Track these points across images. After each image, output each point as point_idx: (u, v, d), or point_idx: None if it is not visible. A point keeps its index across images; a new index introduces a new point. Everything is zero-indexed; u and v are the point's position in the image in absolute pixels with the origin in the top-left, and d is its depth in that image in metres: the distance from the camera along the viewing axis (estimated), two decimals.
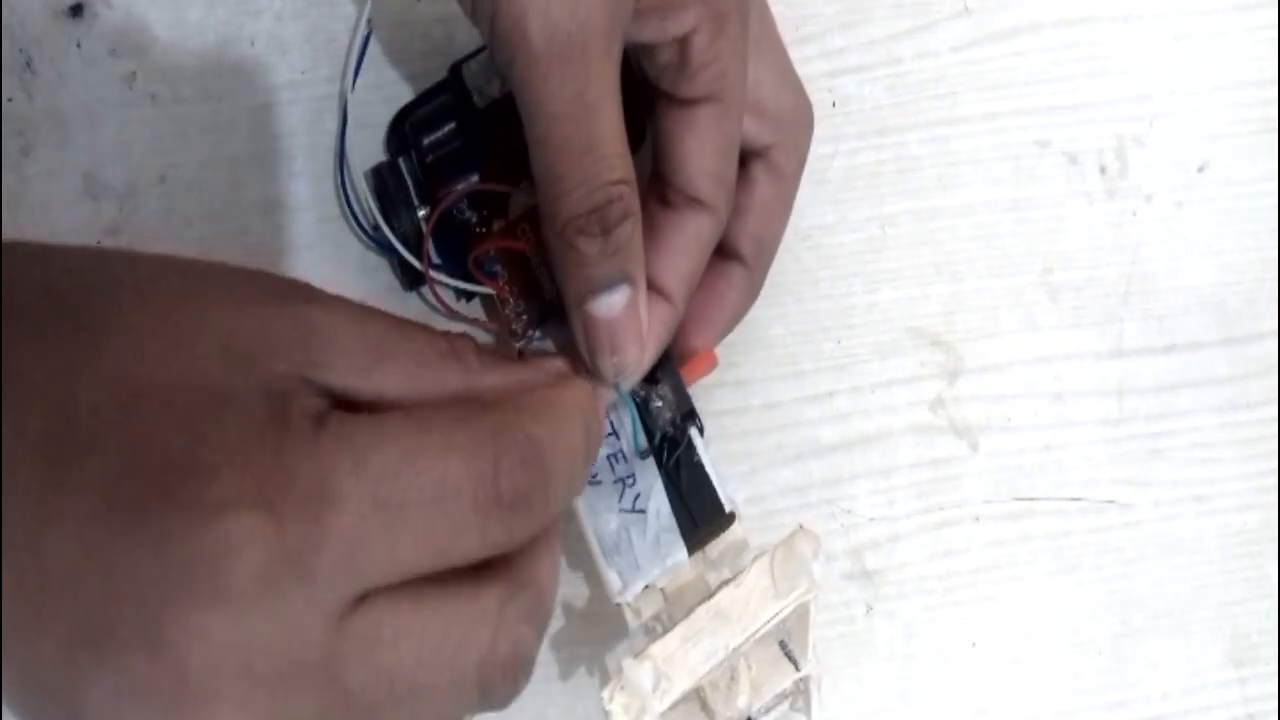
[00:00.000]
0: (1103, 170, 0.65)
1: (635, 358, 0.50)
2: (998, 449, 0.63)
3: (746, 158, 0.55)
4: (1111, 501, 0.63)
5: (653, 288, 0.51)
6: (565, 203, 0.47)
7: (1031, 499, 0.63)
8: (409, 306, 0.60)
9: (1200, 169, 0.66)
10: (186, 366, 0.38)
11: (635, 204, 0.48)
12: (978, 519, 0.62)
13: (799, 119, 0.56)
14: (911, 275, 0.64)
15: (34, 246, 0.41)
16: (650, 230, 0.50)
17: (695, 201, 0.52)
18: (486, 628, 0.40)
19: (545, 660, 0.59)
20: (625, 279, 0.48)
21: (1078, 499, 0.63)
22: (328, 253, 0.61)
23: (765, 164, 0.55)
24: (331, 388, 0.40)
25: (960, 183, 0.65)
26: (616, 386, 0.51)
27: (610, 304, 0.48)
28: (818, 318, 0.63)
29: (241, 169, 0.61)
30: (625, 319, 0.49)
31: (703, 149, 0.51)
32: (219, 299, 0.40)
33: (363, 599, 0.38)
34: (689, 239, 0.52)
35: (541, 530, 0.42)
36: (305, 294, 0.42)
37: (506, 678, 0.41)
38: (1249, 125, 0.66)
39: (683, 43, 0.50)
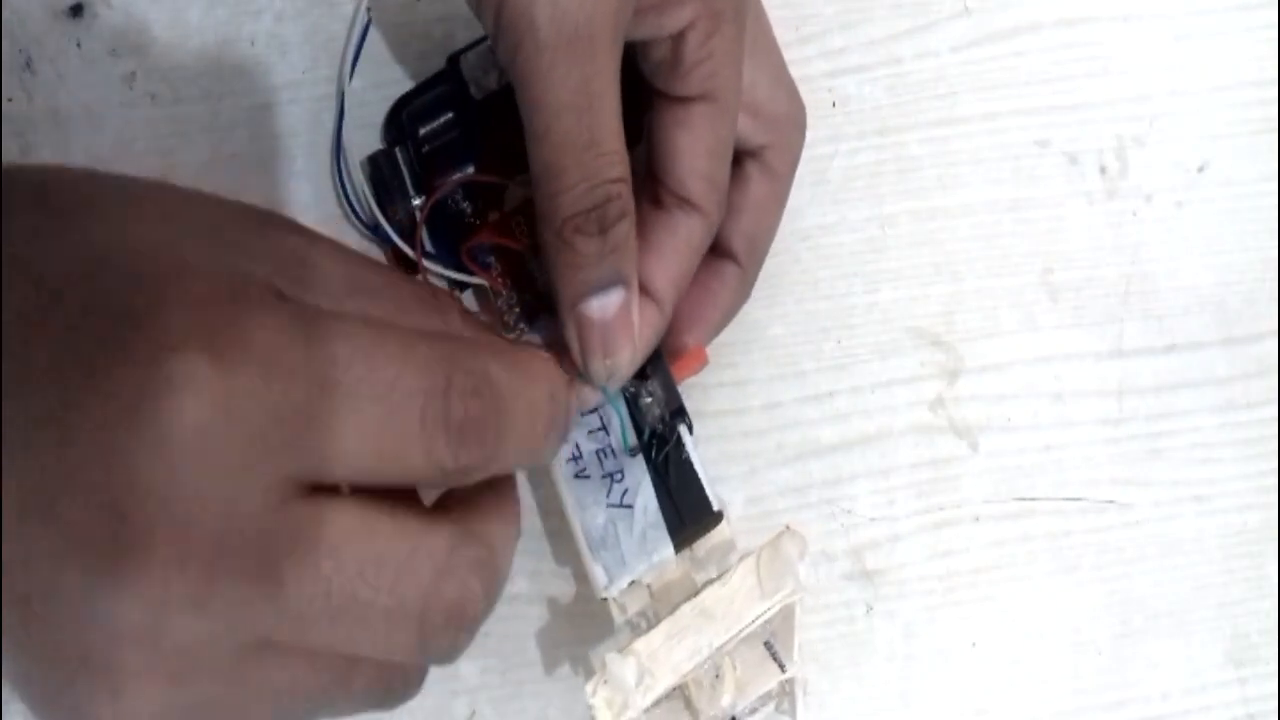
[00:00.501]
0: (1103, 170, 0.65)
1: (628, 359, 0.50)
2: (998, 449, 0.63)
3: (740, 157, 0.55)
4: (1111, 501, 0.63)
5: (642, 290, 0.51)
6: (564, 199, 0.47)
7: (1031, 499, 0.62)
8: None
9: (1200, 169, 0.65)
10: (159, 242, 0.39)
11: (631, 203, 0.48)
12: (978, 519, 0.62)
13: (793, 120, 0.56)
14: (911, 275, 0.63)
15: (34, 166, 0.41)
16: (640, 231, 0.50)
17: (686, 202, 0.51)
18: (432, 563, 0.40)
19: (546, 660, 0.59)
20: (620, 280, 0.48)
21: (1078, 499, 0.63)
22: None
23: (759, 164, 0.55)
24: (302, 301, 0.40)
25: (960, 183, 0.64)
26: (604, 389, 0.51)
27: (605, 305, 0.48)
28: (818, 318, 0.63)
29: (241, 169, 0.60)
30: (619, 321, 0.49)
31: (694, 149, 0.51)
32: (205, 208, 0.41)
33: (307, 494, 0.38)
34: (679, 241, 0.51)
35: (494, 479, 0.43)
36: (293, 224, 0.43)
37: (449, 625, 0.41)
38: (1249, 125, 0.66)
39: (677, 39, 0.50)
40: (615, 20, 0.45)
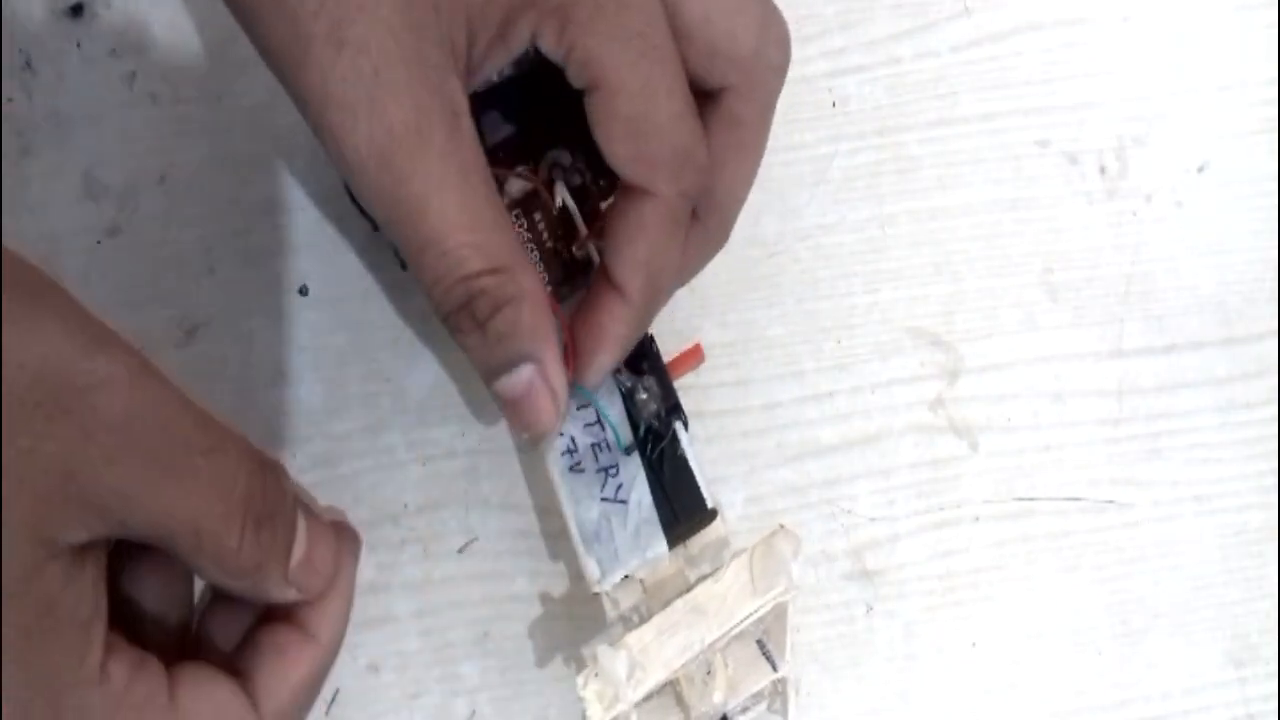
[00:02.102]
0: (1103, 170, 0.65)
1: (547, 426, 0.50)
2: (998, 449, 0.63)
3: (700, 103, 0.50)
4: (1111, 501, 0.63)
5: (611, 284, 0.50)
6: (432, 298, 0.47)
7: (1031, 499, 0.62)
8: (406, 282, 0.60)
9: (1200, 169, 0.66)
10: None
11: (513, 288, 0.47)
12: (978, 519, 0.62)
13: (760, 58, 0.51)
14: (912, 275, 0.63)
15: None
16: (609, 219, 0.50)
17: (634, 188, 0.50)
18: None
19: (545, 660, 0.59)
20: (522, 359, 0.48)
21: (1078, 499, 0.63)
22: (327, 253, 0.61)
23: (718, 111, 0.52)
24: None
25: (960, 183, 0.64)
26: (583, 391, 0.52)
27: (512, 384, 0.49)
28: (818, 318, 0.63)
29: (242, 169, 0.61)
30: (530, 396, 0.49)
31: (611, 136, 0.49)
32: None
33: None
34: (635, 226, 0.50)
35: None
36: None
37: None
38: (1249, 125, 0.66)
39: (537, 49, 0.48)
40: (422, 120, 0.45)
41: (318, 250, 0.61)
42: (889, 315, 0.63)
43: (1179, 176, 0.66)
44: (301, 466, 0.59)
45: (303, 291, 0.61)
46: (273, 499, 0.43)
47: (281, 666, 0.46)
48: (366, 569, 0.58)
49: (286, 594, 0.45)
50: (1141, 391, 0.64)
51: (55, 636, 0.40)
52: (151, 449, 0.40)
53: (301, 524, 0.45)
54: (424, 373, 0.61)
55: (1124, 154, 0.65)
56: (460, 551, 0.59)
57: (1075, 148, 0.65)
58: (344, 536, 0.47)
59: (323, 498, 0.53)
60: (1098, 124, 0.66)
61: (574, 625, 0.59)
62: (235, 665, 0.46)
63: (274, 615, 0.47)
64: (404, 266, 0.54)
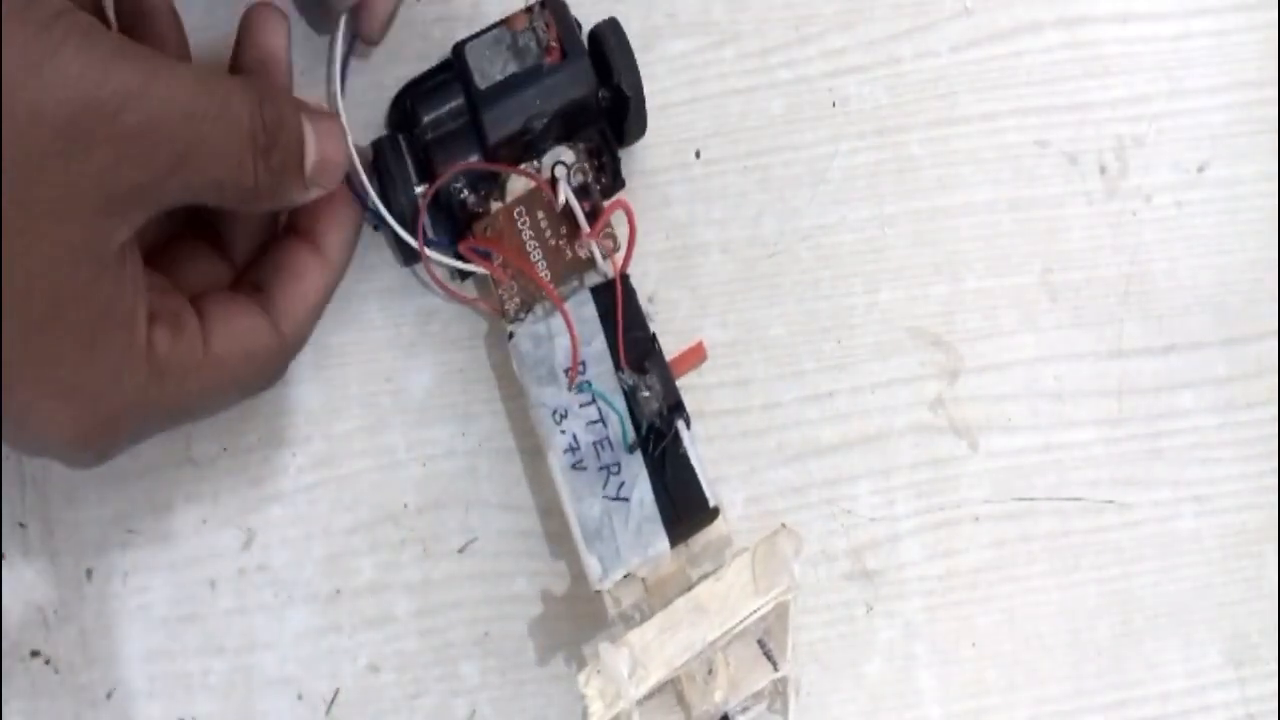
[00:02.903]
0: (1103, 170, 0.65)
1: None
2: (998, 449, 0.62)
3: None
4: (1111, 501, 0.62)
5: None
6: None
7: (1031, 499, 0.62)
8: (406, 282, 0.61)
9: (1200, 169, 0.65)
10: None
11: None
12: (977, 519, 0.62)
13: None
14: (912, 275, 0.63)
15: None
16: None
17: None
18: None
19: (546, 660, 0.59)
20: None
21: (1077, 499, 0.62)
22: None
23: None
24: None
25: (960, 183, 0.64)
26: (588, 388, 0.54)
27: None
28: (818, 318, 0.62)
29: None
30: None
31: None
32: None
33: None
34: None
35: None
36: None
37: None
38: (1249, 125, 0.66)
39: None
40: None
41: None
42: (889, 315, 0.63)
43: (1179, 177, 0.65)
44: (302, 466, 0.59)
45: None
46: (276, 126, 0.49)
47: (299, 289, 0.53)
48: (366, 569, 0.59)
49: (308, 197, 0.52)
50: (1141, 391, 0.63)
51: (108, 331, 0.46)
52: (172, 142, 0.45)
53: (308, 130, 0.51)
54: (424, 373, 0.60)
55: (1124, 154, 0.65)
56: (460, 551, 0.59)
57: (1075, 148, 0.65)
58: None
59: (323, 498, 0.57)
60: (1098, 124, 0.65)
61: (575, 625, 0.59)
62: (255, 282, 0.54)
63: (289, 232, 0.55)
64: (406, 262, 0.59)
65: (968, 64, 0.65)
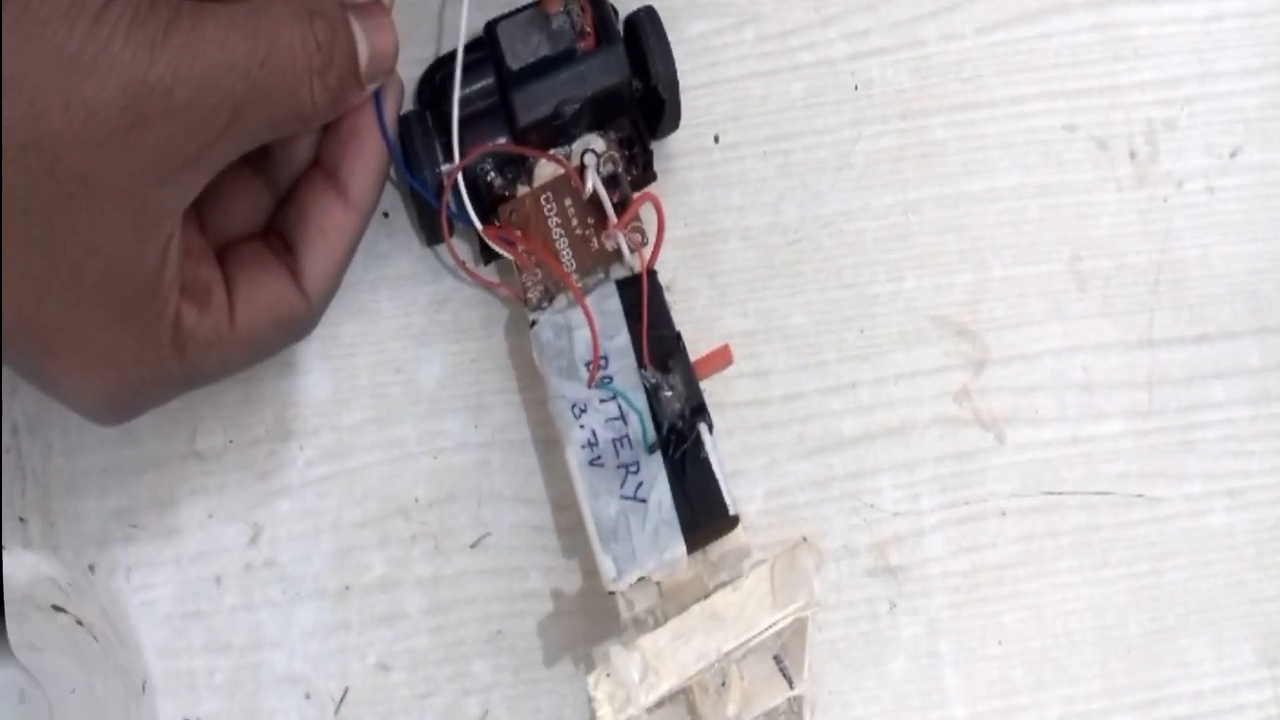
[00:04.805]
0: (1132, 155, 0.64)
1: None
2: (1025, 441, 0.62)
3: None
4: (1141, 495, 0.62)
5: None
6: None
7: (1059, 493, 0.61)
8: (417, 269, 0.60)
9: (1233, 154, 0.64)
10: None
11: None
12: (1004, 513, 0.61)
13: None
14: (936, 263, 0.62)
15: None
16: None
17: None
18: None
19: (561, 659, 0.59)
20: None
21: (1106, 493, 0.61)
22: None
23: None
24: None
25: (986, 168, 0.63)
26: (609, 385, 0.54)
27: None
28: (840, 306, 0.62)
29: None
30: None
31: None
32: None
33: None
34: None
35: None
36: None
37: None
38: None
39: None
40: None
41: None
42: (913, 304, 0.62)
43: (1211, 162, 0.64)
44: (310, 459, 0.58)
45: None
46: (330, 42, 0.48)
47: (326, 246, 0.52)
48: (376, 564, 0.58)
49: (365, 96, 0.51)
50: (1172, 382, 0.63)
51: (144, 305, 0.46)
52: (226, 102, 0.44)
53: (358, 31, 0.49)
54: (435, 363, 0.60)
55: (1154, 139, 0.64)
56: (473, 546, 0.59)
57: (1104, 132, 0.64)
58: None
59: (331, 491, 0.58)
60: (1127, 108, 0.64)
61: (589, 622, 0.58)
62: (283, 234, 0.53)
63: (316, 171, 0.53)
64: (429, 242, 0.59)
65: (994, 46, 0.64)
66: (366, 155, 0.53)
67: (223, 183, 0.50)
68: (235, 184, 0.53)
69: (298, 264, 0.52)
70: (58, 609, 0.54)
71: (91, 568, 0.57)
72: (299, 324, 0.52)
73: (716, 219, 0.62)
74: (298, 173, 0.54)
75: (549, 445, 0.59)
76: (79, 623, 0.54)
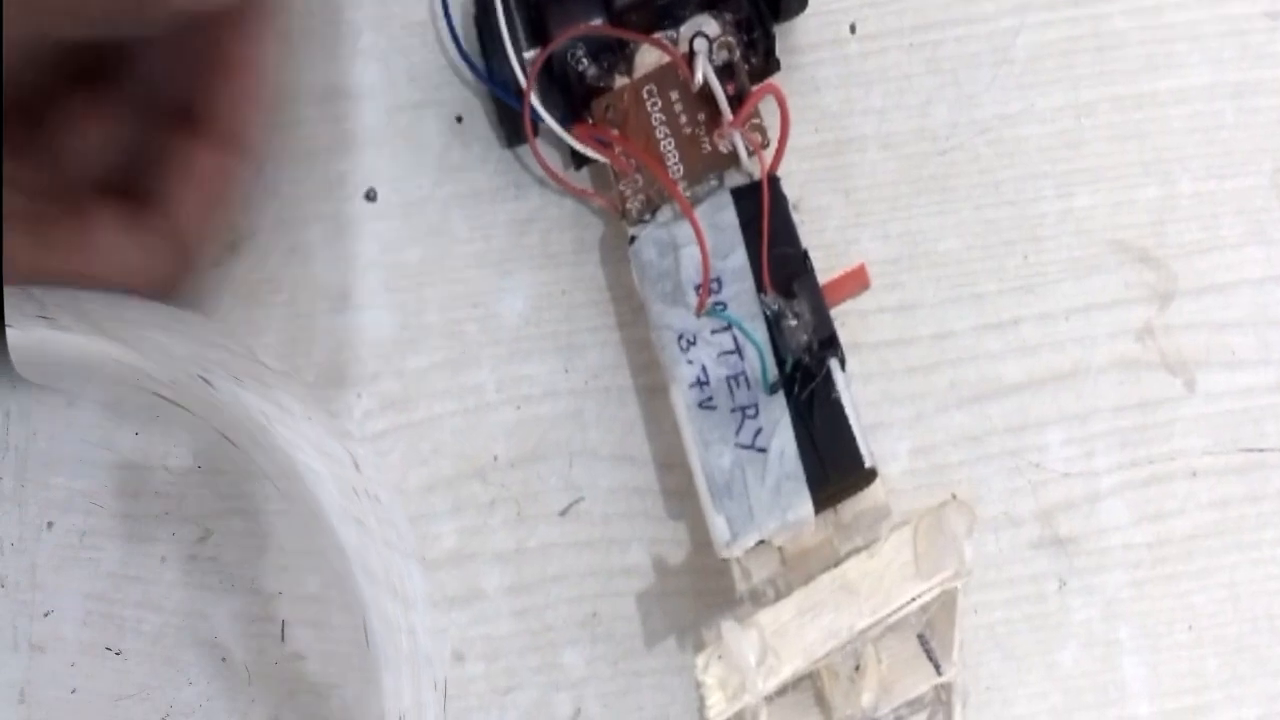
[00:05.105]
0: None
1: None
2: (1219, 389, 0.56)
3: None
4: None
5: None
6: None
7: (1260, 449, 0.56)
8: (496, 183, 0.57)
9: None
10: None
11: None
12: (1195, 474, 0.56)
13: None
14: (1114, 176, 0.58)
15: None
16: None
17: None
18: None
19: (666, 646, 0.54)
20: None
21: None
22: (400, 149, 0.57)
23: None
24: None
25: (1174, 63, 0.59)
26: (723, 313, 0.50)
27: None
28: (1000, 228, 0.57)
29: (295, 48, 0.58)
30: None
31: None
32: None
33: None
34: None
35: None
36: None
37: None
38: None
39: None
40: None
41: (388, 146, 0.57)
42: (1086, 225, 0.57)
43: None
44: (368, 410, 0.56)
45: (370, 196, 0.57)
46: None
47: (199, 197, 0.49)
48: (447, 535, 0.55)
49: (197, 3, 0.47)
50: None
51: None
52: None
53: None
54: (518, 295, 0.56)
55: None
56: (562, 514, 0.55)
57: None
58: None
59: (395, 447, 0.55)
60: None
61: (702, 604, 0.54)
62: (142, 186, 0.49)
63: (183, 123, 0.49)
64: (508, 143, 0.57)
65: None
66: (239, 90, 0.50)
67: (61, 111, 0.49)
68: (76, 115, 0.50)
69: (161, 210, 0.49)
70: None
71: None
72: (166, 282, 0.50)
73: (852, 124, 0.58)
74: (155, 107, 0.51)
75: (653, 392, 0.55)
76: None
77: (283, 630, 0.54)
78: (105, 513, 0.55)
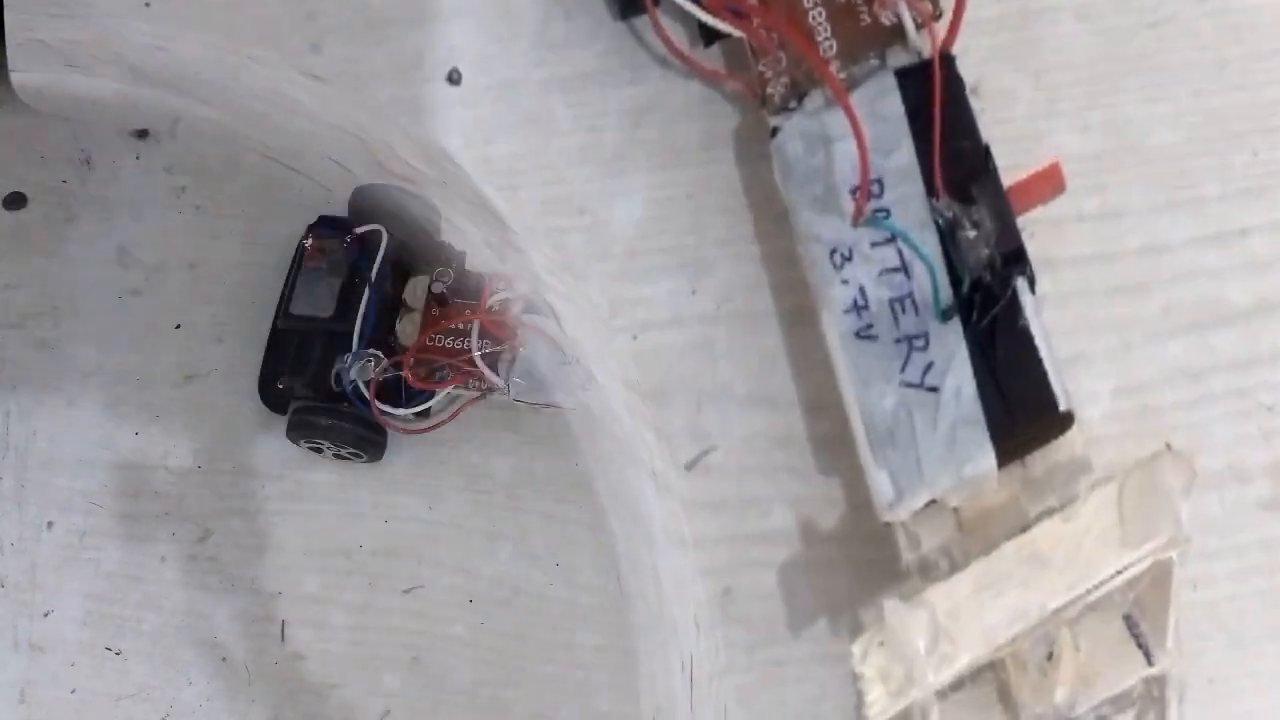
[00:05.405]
0: None
1: None
2: None
3: None
4: None
5: None
6: None
7: None
8: (608, 64, 0.54)
9: None
10: None
11: None
12: None
13: None
14: None
15: None
16: None
17: None
18: None
19: (815, 631, 0.50)
20: None
21: None
22: (487, 22, 0.54)
23: None
24: None
25: None
26: (884, 222, 0.47)
27: None
28: (1223, 117, 0.51)
29: (385, 21, 0.56)
30: None
31: None
32: None
33: None
34: None
35: None
36: None
37: None
38: None
39: None
40: None
41: (474, 16, 0.55)
42: None
43: None
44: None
45: (452, 78, 0.54)
46: None
47: None
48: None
49: None
50: None
51: None
52: None
53: None
54: (633, 200, 0.53)
55: None
56: (688, 467, 0.51)
57: None
58: None
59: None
60: None
61: (857, 578, 0.50)
62: None
63: None
64: (621, 15, 0.54)
65: None
66: None
67: None
68: None
69: None
70: None
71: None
72: None
73: None
74: None
75: (799, 318, 0.51)
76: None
77: (283, 630, 0.54)
78: (105, 513, 0.58)
